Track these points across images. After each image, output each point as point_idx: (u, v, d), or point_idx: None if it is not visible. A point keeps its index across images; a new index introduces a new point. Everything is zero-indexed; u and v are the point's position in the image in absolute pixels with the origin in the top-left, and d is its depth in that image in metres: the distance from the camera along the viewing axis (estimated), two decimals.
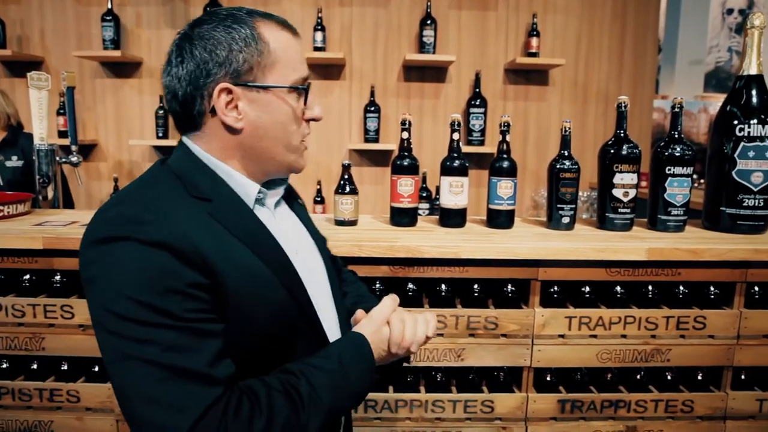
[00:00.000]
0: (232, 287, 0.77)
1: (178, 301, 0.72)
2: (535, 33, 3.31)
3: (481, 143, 3.33)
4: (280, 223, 0.95)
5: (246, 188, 0.88)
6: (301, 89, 0.90)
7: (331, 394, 0.81)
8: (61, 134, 3.27)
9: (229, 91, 0.83)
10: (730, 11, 7.55)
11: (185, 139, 0.89)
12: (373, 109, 3.31)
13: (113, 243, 0.73)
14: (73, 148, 2.19)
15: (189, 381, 0.70)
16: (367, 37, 3.38)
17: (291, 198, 1.04)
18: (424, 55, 3.22)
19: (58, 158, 2.07)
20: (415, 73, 3.42)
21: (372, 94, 3.34)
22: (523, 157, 3.48)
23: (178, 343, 0.71)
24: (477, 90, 3.34)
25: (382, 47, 3.40)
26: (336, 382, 0.82)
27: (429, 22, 3.23)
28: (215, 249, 0.77)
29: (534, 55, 3.32)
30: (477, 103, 3.31)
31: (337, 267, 1.20)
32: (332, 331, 0.95)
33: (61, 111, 3.29)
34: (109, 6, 3.19)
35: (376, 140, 3.34)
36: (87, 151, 3.43)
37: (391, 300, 0.95)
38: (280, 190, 0.97)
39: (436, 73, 3.42)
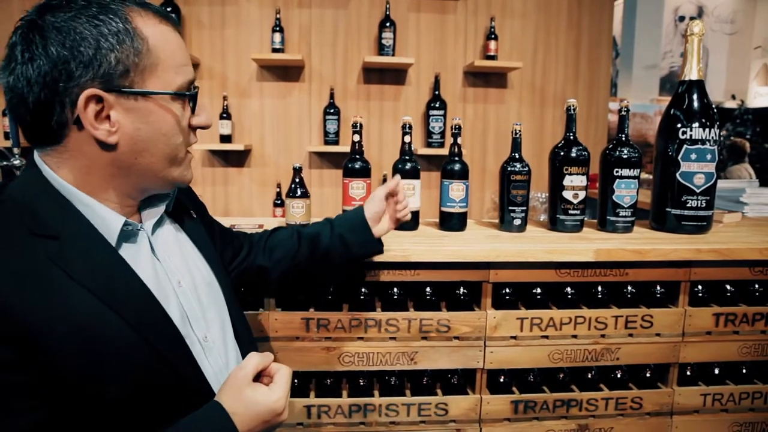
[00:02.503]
0: (63, 357, 0.64)
1: None
2: (493, 36, 3.35)
3: (441, 145, 3.34)
4: (161, 251, 0.82)
5: (107, 221, 0.74)
6: (188, 96, 0.77)
7: None
8: (8, 136, 3.14)
9: (99, 99, 0.69)
10: (681, 18, 7.83)
11: (37, 157, 0.73)
12: (332, 111, 3.29)
13: None
14: (15, 150, 2.10)
15: None
16: (326, 38, 3.35)
17: (181, 210, 0.92)
18: (383, 57, 3.22)
19: None
20: (374, 75, 3.41)
21: (331, 96, 3.32)
22: (483, 159, 3.52)
23: None
24: (436, 92, 3.36)
25: (341, 49, 3.38)
26: None
27: (388, 24, 3.23)
28: (44, 308, 0.63)
29: (492, 58, 3.35)
30: (436, 105, 3.33)
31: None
32: (227, 369, 0.86)
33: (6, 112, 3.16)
34: None
35: (336, 142, 3.32)
36: None
37: (258, 357, 0.78)
38: (160, 208, 0.84)
39: (395, 75, 3.42)
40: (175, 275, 0.81)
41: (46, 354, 0.63)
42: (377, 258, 1.32)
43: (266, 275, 1.19)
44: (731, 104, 7.71)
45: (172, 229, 0.88)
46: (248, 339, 0.98)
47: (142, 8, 0.73)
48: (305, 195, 1.51)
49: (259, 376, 0.79)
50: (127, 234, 0.77)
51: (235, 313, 0.94)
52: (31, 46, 0.67)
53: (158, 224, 0.85)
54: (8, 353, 0.61)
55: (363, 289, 1.40)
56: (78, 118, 0.69)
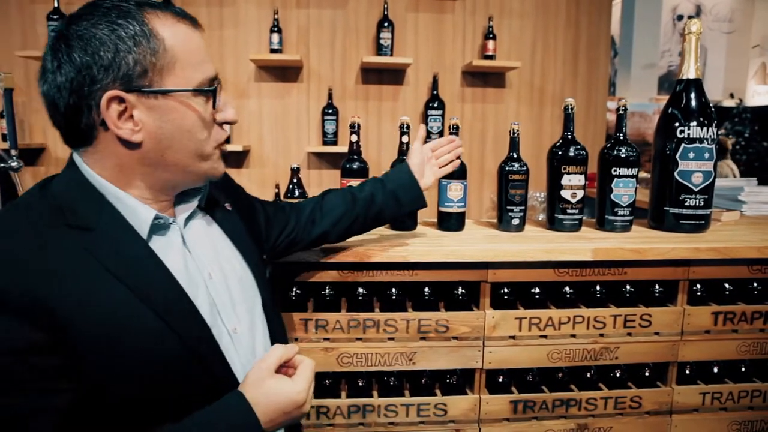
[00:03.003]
0: (91, 345, 0.67)
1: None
2: (491, 36, 3.35)
3: None
4: (193, 244, 0.84)
5: (139, 214, 0.77)
6: (208, 92, 0.79)
7: None
8: (5, 138, 3.14)
9: (121, 100, 0.72)
10: (680, 17, 7.84)
11: (75, 156, 0.78)
12: (331, 111, 3.29)
13: None
14: (13, 152, 2.09)
15: None
16: (325, 39, 3.35)
17: (215, 205, 0.93)
18: (381, 57, 3.22)
19: None
20: (373, 75, 3.41)
21: (330, 96, 3.31)
22: (482, 159, 3.52)
23: None
24: (435, 92, 3.35)
25: (339, 49, 3.38)
26: None
27: (386, 24, 3.23)
28: (75, 296, 0.67)
29: (490, 57, 3.35)
30: (434, 105, 3.33)
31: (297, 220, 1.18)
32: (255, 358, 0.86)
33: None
34: (56, 4, 3.07)
35: (334, 143, 3.32)
36: (34, 155, 3.30)
37: (282, 348, 0.81)
38: (193, 203, 0.87)
39: (393, 75, 3.42)
40: (206, 267, 0.84)
41: (76, 340, 0.66)
42: (376, 258, 1.32)
43: (326, 239, 1.24)
44: (729, 103, 7.71)
45: (204, 223, 0.90)
46: (281, 335, 0.98)
47: (160, 10, 0.76)
48: (303, 195, 1.51)
49: (283, 368, 0.80)
50: (159, 227, 0.81)
51: (269, 309, 0.96)
52: (58, 55, 0.72)
53: (191, 218, 0.87)
54: (41, 337, 0.64)
55: (361, 290, 1.40)
56: (104, 119, 0.73)
